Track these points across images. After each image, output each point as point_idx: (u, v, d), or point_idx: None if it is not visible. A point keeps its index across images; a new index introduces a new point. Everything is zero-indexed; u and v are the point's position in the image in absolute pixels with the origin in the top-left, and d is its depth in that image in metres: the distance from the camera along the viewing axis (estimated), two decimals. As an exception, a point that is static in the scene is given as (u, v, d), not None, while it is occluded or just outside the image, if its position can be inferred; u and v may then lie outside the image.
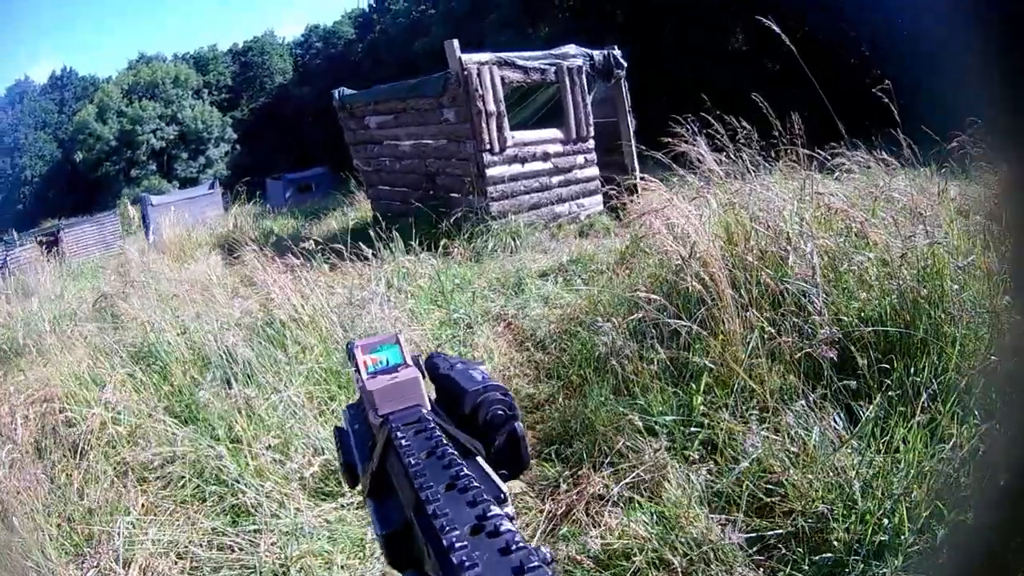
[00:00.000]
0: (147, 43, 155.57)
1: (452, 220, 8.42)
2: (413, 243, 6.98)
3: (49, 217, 32.79)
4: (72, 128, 47.58)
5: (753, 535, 2.31)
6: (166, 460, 3.41)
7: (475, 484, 0.48)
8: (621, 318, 3.85)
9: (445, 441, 0.58)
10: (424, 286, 6.11)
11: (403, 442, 0.58)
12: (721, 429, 2.81)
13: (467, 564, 0.39)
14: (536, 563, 0.38)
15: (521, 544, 0.40)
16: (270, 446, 3.24)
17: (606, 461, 2.94)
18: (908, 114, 3.90)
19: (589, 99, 10.25)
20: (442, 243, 7.97)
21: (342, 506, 2.98)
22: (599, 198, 10.43)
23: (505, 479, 0.64)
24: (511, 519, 0.49)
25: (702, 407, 3.00)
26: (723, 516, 2.40)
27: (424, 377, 0.71)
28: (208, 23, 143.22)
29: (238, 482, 3.10)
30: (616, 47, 10.80)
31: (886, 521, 2.10)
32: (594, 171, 10.48)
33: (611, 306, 4.59)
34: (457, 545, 0.41)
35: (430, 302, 5.83)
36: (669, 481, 2.55)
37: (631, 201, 6.78)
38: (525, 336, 5.09)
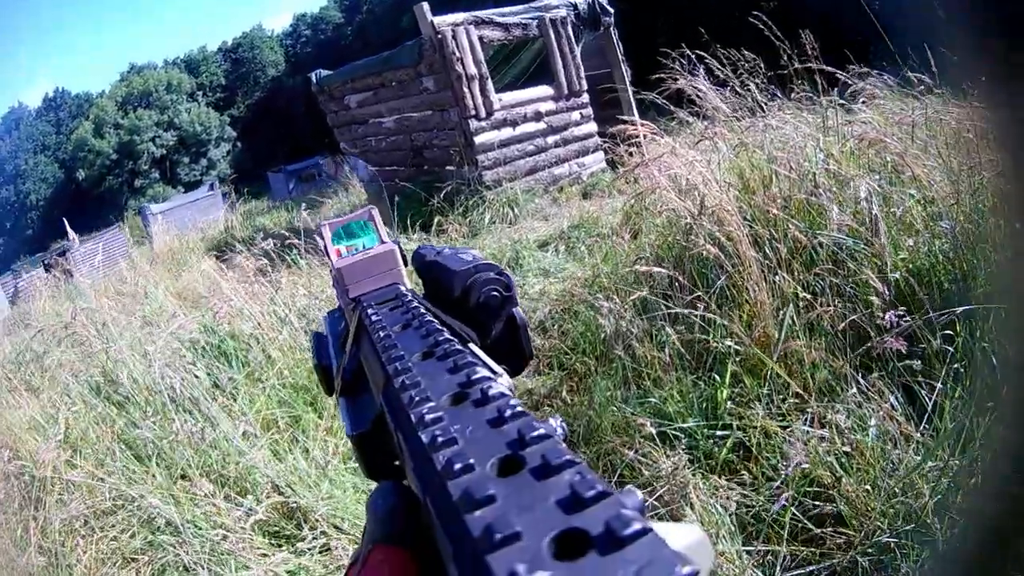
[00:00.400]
0: (137, 53, 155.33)
1: (443, 195, 7.85)
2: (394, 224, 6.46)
3: (58, 239, 32.72)
4: (71, 147, 47.39)
5: (801, 571, 1.78)
6: (120, 503, 2.99)
7: (458, 348, 0.38)
8: (625, 294, 3.32)
9: (424, 312, 0.48)
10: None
11: (374, 318, 0.49)
12: (754, 427, 2.27)
13: (440, 440, 0.28)
14: (540, 431, 0.27)
15: (519, 410, 0.29)
16: (213, 490, 2.76)
17: (614, 480, 2.43)
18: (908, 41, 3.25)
19: (578, 51, 9.60)
20: (436, 220, 7.43)
21: (301, 552, 2.49)
22: (600, 155, 9.84)
23: (509, 376, 0.49)
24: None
25: (728, 403, 2.45)
26: (761, 547, 1.88)
27: (407, 265, 0.63)
28: (195, 26, 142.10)
29: (180, 531, 2.63)
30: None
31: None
32: (592, 127, 9.86)
33: (614, 277, 4.04)
34: (429, 418, 0.30)
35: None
36: (692, 507, 2.03)
37: (630, 153, 6.16)
38: (523, 318, 4.56)
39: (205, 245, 11.17)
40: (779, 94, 3.99)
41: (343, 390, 0.53)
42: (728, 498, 2.04)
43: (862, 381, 2.12)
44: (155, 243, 11.78)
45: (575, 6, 9.67)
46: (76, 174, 46.12)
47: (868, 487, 1.83)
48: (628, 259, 4.14)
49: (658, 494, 2.20)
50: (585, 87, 9.72)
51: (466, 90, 8.30)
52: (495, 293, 0.55)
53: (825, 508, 1.91)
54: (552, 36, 9.28)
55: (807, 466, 1.96)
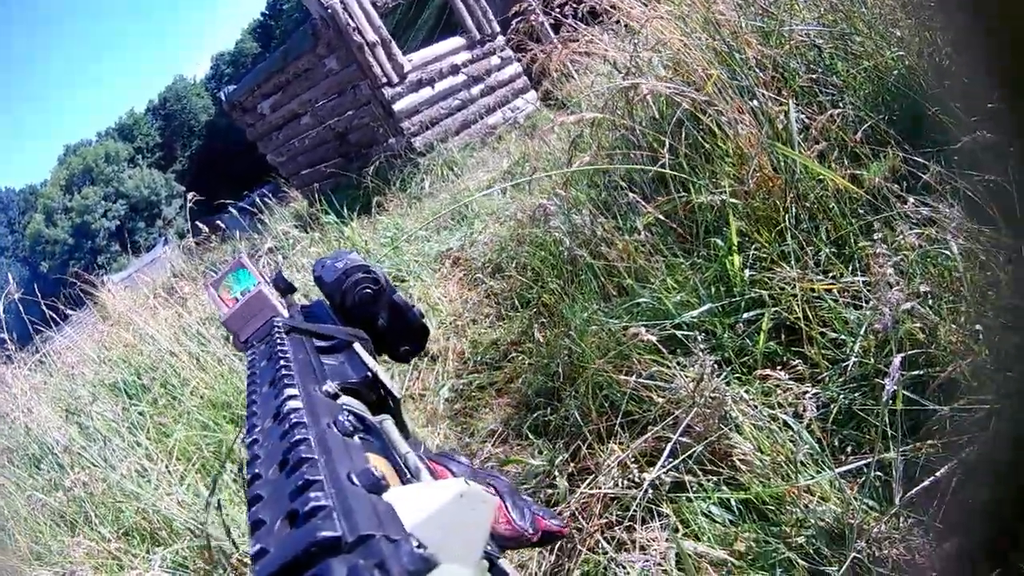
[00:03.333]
0: (69, 134, 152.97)
1: (373, 171, 7.18)
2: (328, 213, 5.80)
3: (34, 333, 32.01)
4: (28, 243, 46.49)
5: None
6: None
7: (300, 420, 0.40)
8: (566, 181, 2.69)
9: (285, 351, 0.51)
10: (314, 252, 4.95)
11: (255, 371, 0.52)
12: (793, 296, 1.61)
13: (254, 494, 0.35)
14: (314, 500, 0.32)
15: (309, 479, 0.34)
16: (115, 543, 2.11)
17: (618, 422, 1.78)
18: None
19: (483, -9, 8.90)
20: (374, 201, 6.78)
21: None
22: (532, 95, 9.16)
23: (412, 354, 0.69)
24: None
25: (747, 271, 1.80)
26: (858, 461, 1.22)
27: (293, 292, 0.67)
28: (118, 94, 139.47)
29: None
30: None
31: None
32: (515, 68, 9.19)
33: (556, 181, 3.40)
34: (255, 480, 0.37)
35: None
36: (741, 431, 1.38)
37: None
38: (477, 267, 3.92)
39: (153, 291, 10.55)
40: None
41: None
42: (792, 401, 1.39)
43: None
44: (107, 308, 11.13)
45: (468, -57, 8.96)
46: (39, 268, 45.15)
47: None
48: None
49: (684, 424, 1.55)
50: (498, 30, 9.02)
51: (371, 59, 7.59)
52: (367, 290, 0.63)
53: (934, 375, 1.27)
54: (449, -17, 8.57)
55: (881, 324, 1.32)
